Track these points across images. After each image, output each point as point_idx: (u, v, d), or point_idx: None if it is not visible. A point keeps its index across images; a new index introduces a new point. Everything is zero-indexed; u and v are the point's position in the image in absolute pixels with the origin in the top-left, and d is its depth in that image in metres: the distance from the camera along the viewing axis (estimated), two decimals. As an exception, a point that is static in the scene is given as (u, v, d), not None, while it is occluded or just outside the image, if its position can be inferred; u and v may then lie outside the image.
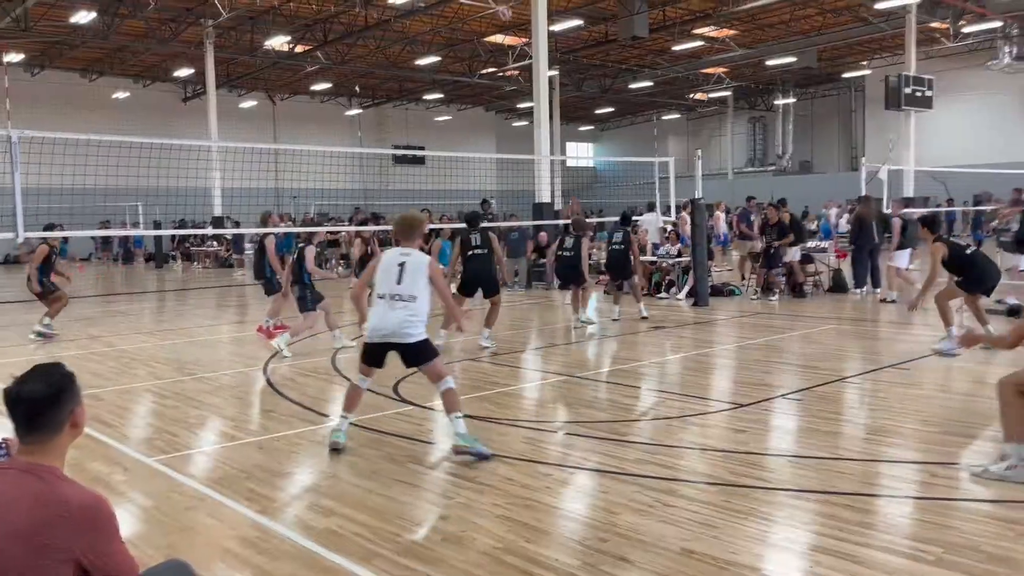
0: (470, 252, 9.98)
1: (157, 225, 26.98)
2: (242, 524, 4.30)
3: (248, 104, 39.41)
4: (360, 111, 43.04)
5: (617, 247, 12.23)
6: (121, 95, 35.63)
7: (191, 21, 27.26)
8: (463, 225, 10.72)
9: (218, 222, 26.41)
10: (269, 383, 8.03)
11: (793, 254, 14.41)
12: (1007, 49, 33.27)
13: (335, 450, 5.47)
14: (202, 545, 4.07)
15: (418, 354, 5.47)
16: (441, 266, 13.40)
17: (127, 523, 4.20)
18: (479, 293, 10.35)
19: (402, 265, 5.54)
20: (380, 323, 5.45)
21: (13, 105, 29.03)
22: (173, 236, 29.98)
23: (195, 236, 29.26)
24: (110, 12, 25.22)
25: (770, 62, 35.60)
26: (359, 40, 29.50)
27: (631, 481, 4.77)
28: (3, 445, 2.74)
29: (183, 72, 33.43)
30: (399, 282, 5.46)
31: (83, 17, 24.10)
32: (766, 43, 33.16)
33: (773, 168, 45.75)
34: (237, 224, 23.25)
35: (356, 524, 4.21)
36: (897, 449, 5.33)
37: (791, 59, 34.08)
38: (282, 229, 12.86)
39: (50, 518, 2.19)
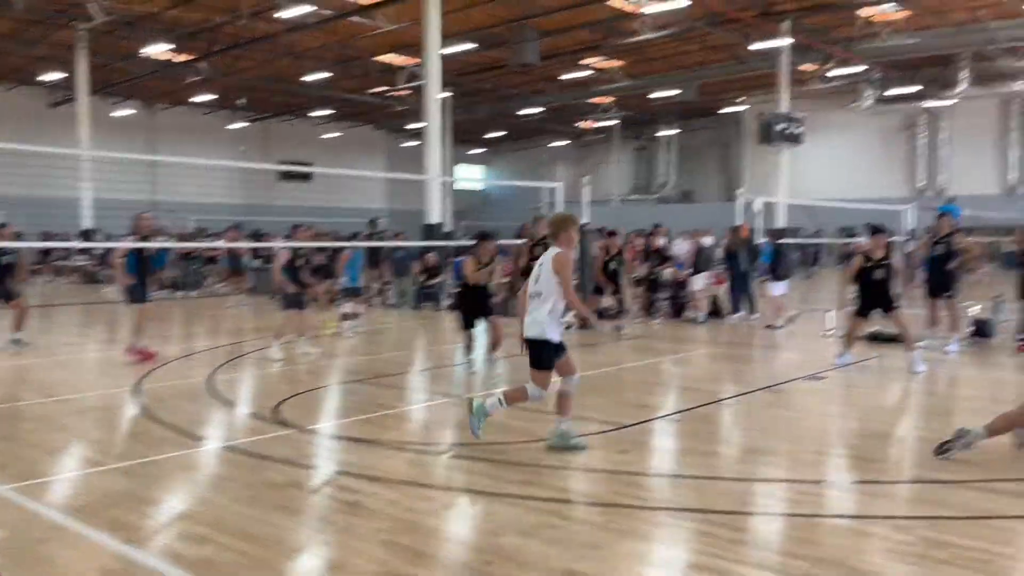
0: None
1: (18, 236, 25.24)
2: (103, 555, 4.03)
3: (123, 113, 37.56)
4: (245, 124, 41.82)
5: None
6: (-19, 98, 33.28)
7: (62, 23, 25.84)
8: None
9: (87, 235, 25.01)
10: (140, 405, 7.61)
11: (696, 281, 14.75)
12: (869, 92, 35.83)
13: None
14: (59, 579, 3.79)
15: (532, 352, 5.82)
16: (345, 278, 13.31)
17: (-26, 557, 3.87)
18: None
19: (542, 264, 5.87)
20: (527, 320, 5.83)
21: None
22: (41, 250, 28.15)
23: (61, 249, 27.59)
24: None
25: (654, 94, 36.96)
26: (245, 52, 28.72)
27: (516, 503, 4.77)
28: None
29: (52, 76, 31.50)
30: (536, 281, 5.82)
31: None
32: (651, 75, 34.43)
33: (656, 196, 47.37)
34: (109, 238, 22.07)
35: (232, 552, 4.03)
36: (769, 468, 5.55)
37: (674, 92, 35.47)
38: (156, 244, 12.31)
39: None
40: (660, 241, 15.73)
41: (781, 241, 15.75)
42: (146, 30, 26.64)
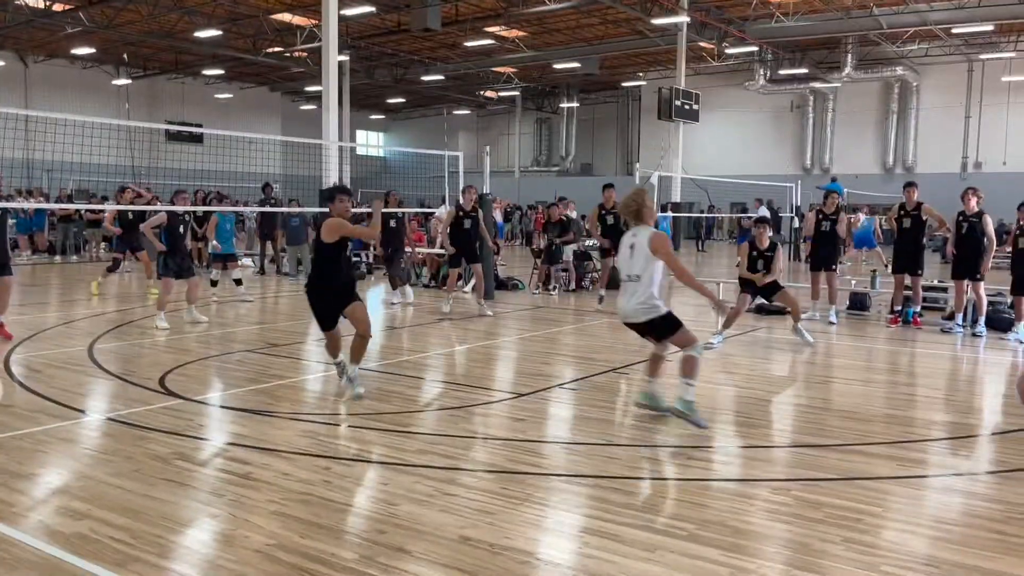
0: None
1: None
2: (-28, 534, 3.80)
3: (-6, 64, 35.00)
4: (129, 82, 39.61)
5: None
6: None
7: (-77, -38, 23.74)
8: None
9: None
10: (9, 374, 7.19)
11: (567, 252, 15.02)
12: (762, 72, 37.05)
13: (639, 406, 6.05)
14: (-81, 560, 3.55)
15: (661, 330, 5.76)
16: (216, 242, 12.85)
17: None
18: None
19: (632, 247, 5.78)
20: (622, 304, 5.85)
21: None
22: None
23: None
24: None
25: (557, 66, 37.10)
26: (129, 4, 27.12)
27: (412, 472, 4.76)
28: None
29: (-89, 20, 28.99)
30: (629, 263, 5.78)
31: None
32: (553, 48, 34.51)
33: (557, 169, 47.76)
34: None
35: (113, 527, 3.86)
36: (660, 435, 5.73)
37: (575, 64, 35.70)
38: (33, 205, 11.58)
39: None
40: (565, 212, 15.84)
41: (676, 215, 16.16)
42: (18, -25, 24.80)
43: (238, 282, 13.10)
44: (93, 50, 35.18)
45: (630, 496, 4.47)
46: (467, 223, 11.21)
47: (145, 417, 5.84)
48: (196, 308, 10.53)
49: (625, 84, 43.07)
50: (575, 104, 46.06)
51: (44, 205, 19.07)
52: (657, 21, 27.95)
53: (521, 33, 32.68)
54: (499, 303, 13.29)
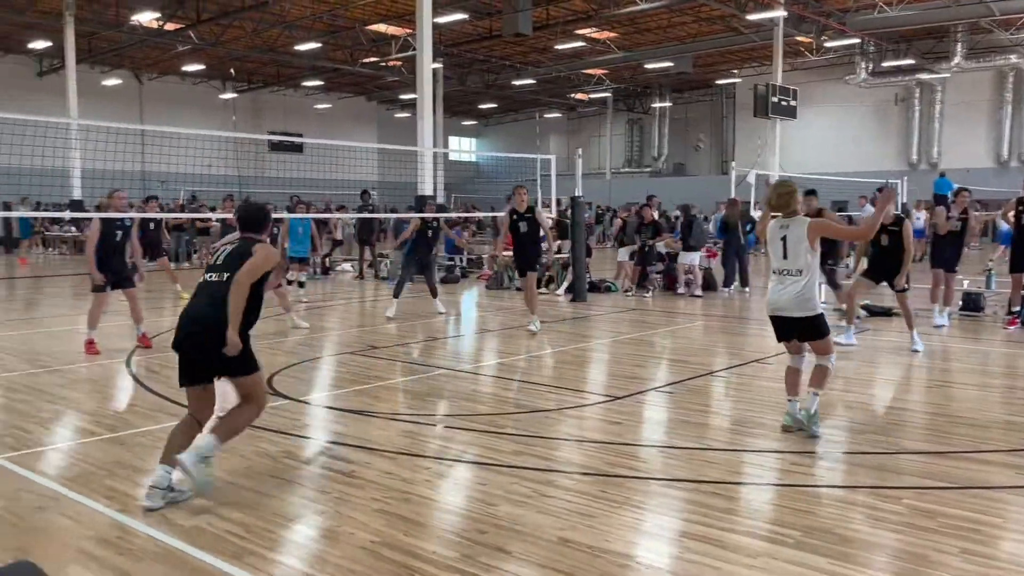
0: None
1: (6, 207, 25.05)
2: (100, 524, 4.05)
3: (112, 82, 37.16)
4: (235, 95, 41.44)
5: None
6: (-33, 65, 32.90)
7: (50, -10, 25.47)
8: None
9: (76, 205, 24.82)
10: (132, 376, 7.62)
11: (690, 257, 14.62)
12: (864, 65, 35.69)
13: (786, 430, 5.66)
14: (56, 547, 3.81)
15: (812, 330, 5.57)
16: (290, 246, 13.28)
17: (-30, 526, 3.88)
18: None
19: (784, 239, 5.56)
20: (774, 297, 5.60)
21: None
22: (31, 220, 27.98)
23: (49, 220, 27.41)
24: (-45, -25, 23.24)
25: (648, 66, 36.72)
26: (235, 21, 28.37)
27: (509, 473, 4.81)
28: None
29: (39, 44, 31.12)
30: (784, 256, 5.56)
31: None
32: (645, 47, 34.18)
33: (649, 170, 47.26)
34: (99, 208, 21.91)
35: (227, 521, 4.06)
36: (760, 439, 5.60)
37: (668, 64, 35.26)
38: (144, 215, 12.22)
39: None
40: (654, 213, 15.71)
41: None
42: (134, -2, 26.29)
43: (300, 284, 13.72)
44: (202, 66, 37.04)
45: (731, 501, 4.39)
46: (522, 225, 11.01)
47: (254, 416, 6.08)
48: (296, 314, 10.87)
49: (719, 82, 42.26)
50: (667, 103, 45.49)
51: (159, 215, 20.13)
52: (752, 17, 27.33)
53: (612, 34, 32.50)
54: (592, 306, 13.25)
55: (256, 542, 3.82)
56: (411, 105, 38.93)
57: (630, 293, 14.64)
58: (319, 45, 32.14)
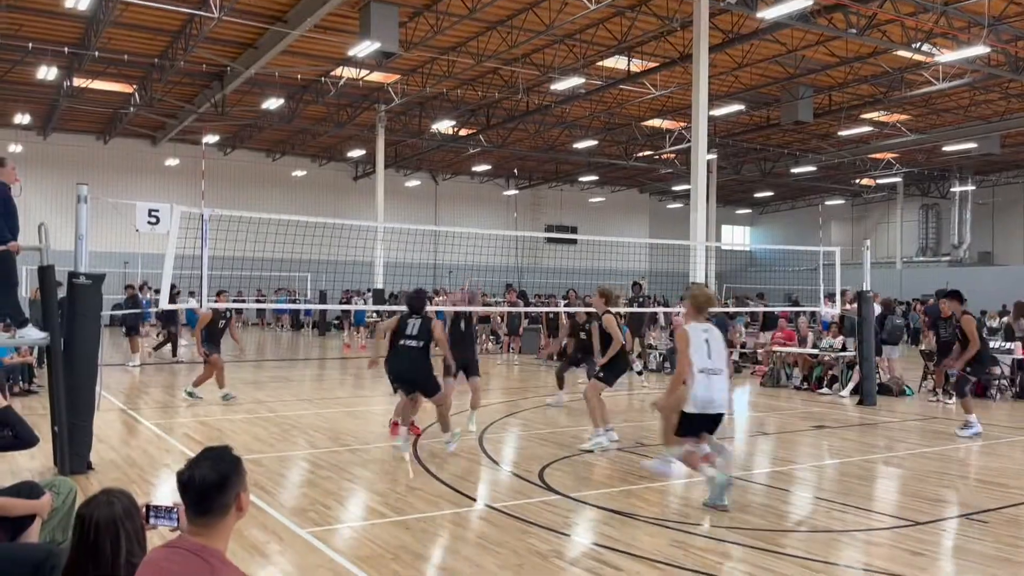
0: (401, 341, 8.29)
1: (323, 296, 28.56)
2: (385, 608, 4.29)
3: (412, 183, 41.55)
4: (516, 192, 44.40)
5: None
6: (299, 173, 38.60)
7: (366, 106, 29.25)
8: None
9: (378, 295, 27.62)
10: (417, 459, 8.14)
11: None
12: None
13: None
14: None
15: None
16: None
17: (278, 596, 4.29)
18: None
19: (707, 341, 6.24)
20: (707, 395, 6.17)
21: (207, 181, 32.07)
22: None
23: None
24: (295, 98, 27.51)
25: (946, 148, 33.80)
26: (519, 124, 30.58)
27: (790, 601, 4.42)
28: (174, 510, 2.82)
29: (356, 153, 35.88)
30: (709, 356, 6.20)
31: (272, 103, 26.42)
32: (942, 128, 31.58)
33: (948, 259, 42.95)
34: (394, 296, 24.19)
35: (497, 620, 4.11)
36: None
37: (970, 145, 32.21)
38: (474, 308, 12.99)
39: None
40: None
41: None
42: (434, 108, 29.39)
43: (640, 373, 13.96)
44: (489, 166, 40.36)
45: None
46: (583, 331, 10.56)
47: (526, 510, 6.21)
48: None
49: (1033, 162, 37.76)
50: (969, 187, 41.36)
51: (440, 308, 21.80)
52: (1074, 89, 24.29)
53: (903, 116, 30.45)
54: (881, 410, 12.09)
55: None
56: (684, 196, 39.12)
57: (934, 400, 13.18)
58: (595, 142, 33.60)
